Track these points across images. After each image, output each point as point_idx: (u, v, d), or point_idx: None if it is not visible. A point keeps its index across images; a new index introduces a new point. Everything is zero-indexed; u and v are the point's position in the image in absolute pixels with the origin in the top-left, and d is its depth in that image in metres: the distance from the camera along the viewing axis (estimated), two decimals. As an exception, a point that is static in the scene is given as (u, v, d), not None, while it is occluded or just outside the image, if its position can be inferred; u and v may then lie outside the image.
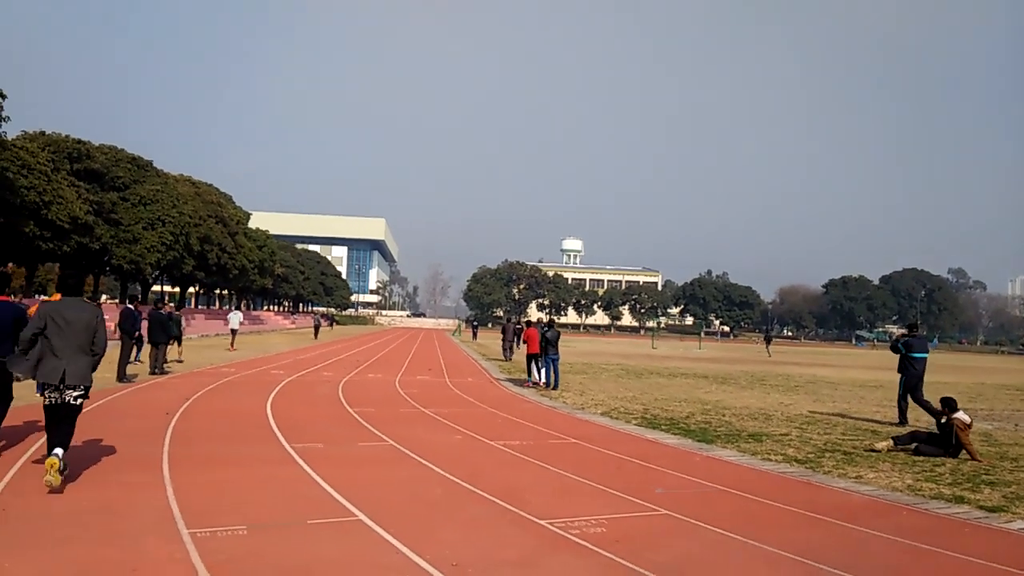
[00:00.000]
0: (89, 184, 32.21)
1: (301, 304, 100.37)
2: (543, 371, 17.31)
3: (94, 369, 6.24)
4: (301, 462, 7.28)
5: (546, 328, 17.94)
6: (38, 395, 6.13)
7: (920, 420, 12.12)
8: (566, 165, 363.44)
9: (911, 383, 12.04)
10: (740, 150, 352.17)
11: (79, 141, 33.39)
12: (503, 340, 29.34)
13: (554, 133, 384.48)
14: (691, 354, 44.71)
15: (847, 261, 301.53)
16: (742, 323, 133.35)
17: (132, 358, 16.36)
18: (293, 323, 73.99)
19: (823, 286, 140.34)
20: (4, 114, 20.74)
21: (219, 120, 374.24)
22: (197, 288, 56.22)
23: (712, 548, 5.14)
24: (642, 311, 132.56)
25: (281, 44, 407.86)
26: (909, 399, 12.18)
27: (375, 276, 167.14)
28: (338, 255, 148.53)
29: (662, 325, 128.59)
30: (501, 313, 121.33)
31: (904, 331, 12.85)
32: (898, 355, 12.45)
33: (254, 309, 78.21)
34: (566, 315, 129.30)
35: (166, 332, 16.16)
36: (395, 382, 17.09)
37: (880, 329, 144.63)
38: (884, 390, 19.98)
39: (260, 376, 17.05)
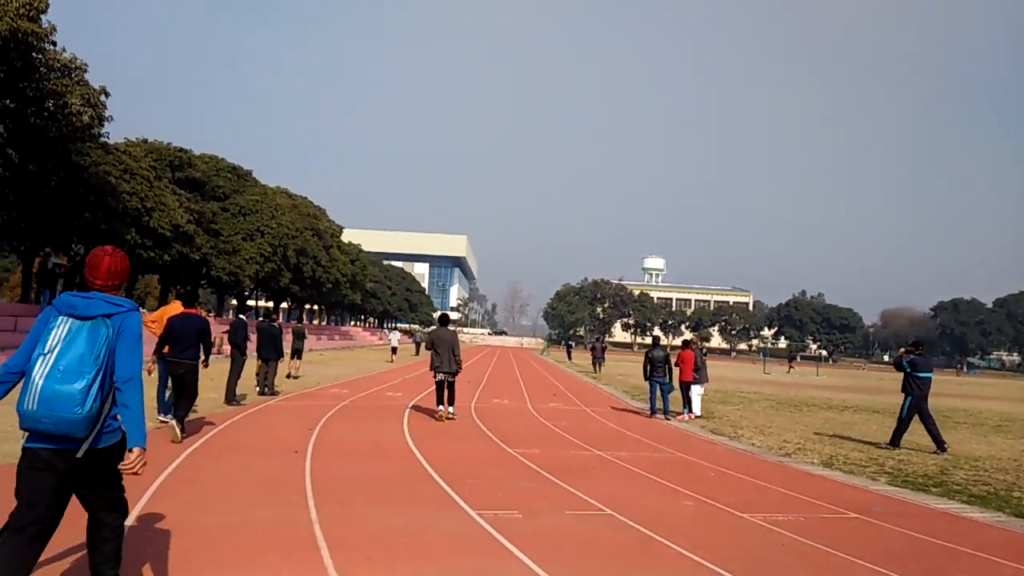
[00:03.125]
0: (190, 193, 31.47)
1: (387, 320, 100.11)
2: (676, 400, 14.82)
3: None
4: (510, 547, 4.92)
5: (651, 350, 15.21)
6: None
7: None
8: (646, 181, 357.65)
9: (915, 403, 11.61)
10: (833, 162, 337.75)
11: (180, 149, 32.80)
12: (592, 359, 35.74)
13: (631, 151, 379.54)
14: (813, 381, 40.78)
15: (956, 283, 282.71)
16: (842, 347, 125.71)
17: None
18: (380, 339, 73.19)
19: (931, 309, 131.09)
20: (107, 113, 19.66)
21: (314, 136, 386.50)
22: (289, 302, 55.78)
23: None
24: (733, 332, 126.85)
25: (368, 67, 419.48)
26: (912, 419, 11.71)
27: (455, 293, 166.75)
28: (420, 272, 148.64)
29: (753, 348, 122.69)
30: (583, 332, 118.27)
31: (908, 349, 12.27)
32: (902, 373, 11.94)
33: (342, 324, 77.96)
34: (650, 335, 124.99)
35: (276, 348, 14.31)
36: (530, 409, 14.73)
37: (993, 356, 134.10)
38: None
39: (377, 399, 15.00)
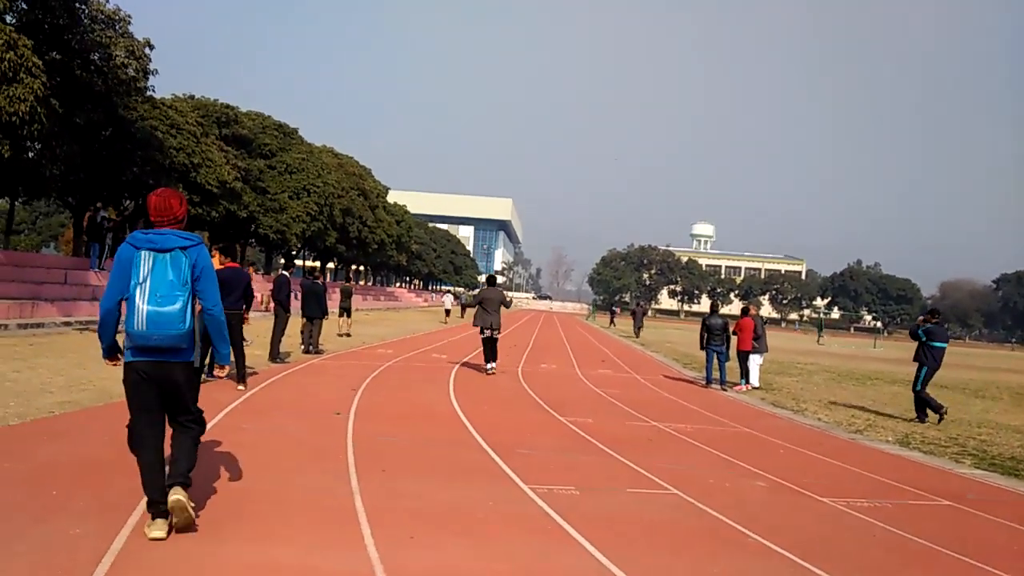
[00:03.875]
0: (237, 150, 31.36)
1: (431, 283, 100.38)
2: (723, 369, 14.18)
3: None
4: (568, 528, 4.42)
5: (709, 317, 14.34)
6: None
7: None
8: (697, 145, 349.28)
9: (931, 374, 11.26)
10: (892, 126, 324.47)
11: (227, 106, 32.62)
12: (634, 324, 36.51)
13: (679, 114, 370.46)
14: (871, 353, 39.34)
15: (1019, 255, 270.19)
16: (898, 319, 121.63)
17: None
18: (425, 301, 73.43)
19: (994, 281, 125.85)
20: (152, 66, 19.41)
21: (359, 96, 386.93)
22: (335, 262, 56.02)
23: None
24: (784, 302, 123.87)
25: (412, 32, 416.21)
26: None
27: (500, 257, 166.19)
28: (465, 235, 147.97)
29: (805, 318, 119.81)
30: (628, 298, 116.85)
31: (925, 317, 11.85)
32: (917, 343, 11.56)
33: (387, 286, 78.37)
34: (699, 303, 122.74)
35: (321, 306, 14.02)
36: (579, 376, 14.21)
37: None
38: None
39: (423, 360, 14.66)
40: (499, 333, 12.88)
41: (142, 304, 3.63)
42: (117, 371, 3.92)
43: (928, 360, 11.28)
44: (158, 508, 3.73)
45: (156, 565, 3.36)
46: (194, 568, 3.37)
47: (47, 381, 8.27)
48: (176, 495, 3.74)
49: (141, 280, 3.67)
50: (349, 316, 20.62)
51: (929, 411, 11.13)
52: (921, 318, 11.97)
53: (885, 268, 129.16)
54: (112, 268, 3.82)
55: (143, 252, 3.73)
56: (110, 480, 4.58)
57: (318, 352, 14.00)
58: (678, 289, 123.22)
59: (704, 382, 14.24)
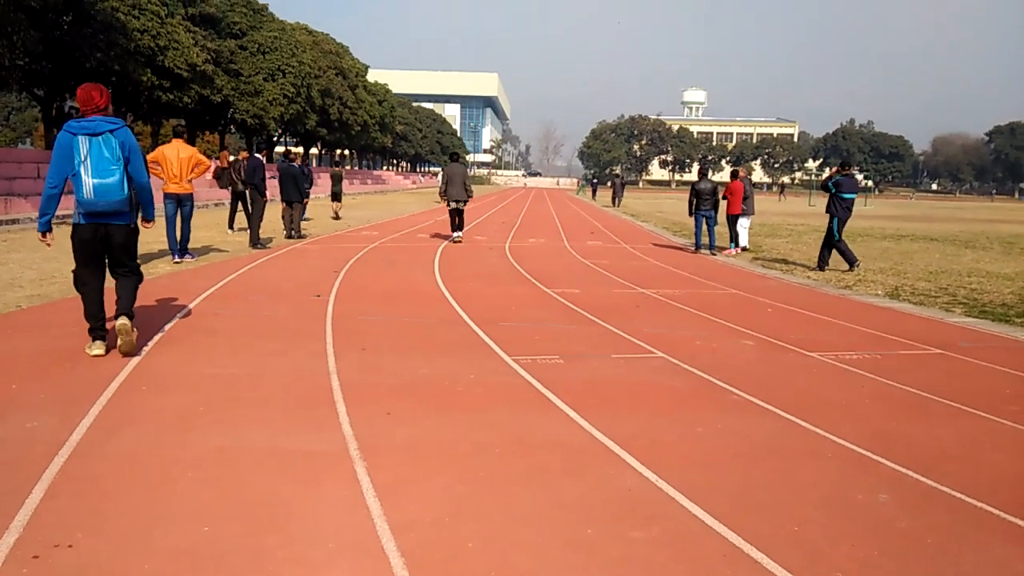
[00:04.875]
0: (205, 30, 29.67)
1: (419, 164, 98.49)
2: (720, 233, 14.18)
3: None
4: (550, 396, 4.32)
5: (698, 182, 14.09)
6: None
7: None
8: (686, 9, 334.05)
9: (842, 223, 11.43)
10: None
11: (190, -17, 30.62)
12: (613, 194, 39.27)
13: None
14: (862, 211, 39.08)
15: (1016, 107, 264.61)
16: (889, 176, 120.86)
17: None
18: (414, 183, 72.32)
19: (986, 134, 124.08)
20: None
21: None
22: (319, 147, 54.56)
23: None
24: (776, 166, 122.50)
25: None
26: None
27: (488, 135, 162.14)
28: (451, 113, 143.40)
29: (796, 181, 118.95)
30: (619, 171, 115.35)
31: (837, 169, 11.96)
32: (827, 195, 11.68)
33: (374, 169, 76.88)
34: (690, 172, 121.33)
35: (299, 189, 13.57)
36: (568, 248, 14.03)
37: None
38: None
39: (408, 241, 14.42)
40: (464, 204, 13.98)
41: (87, 178, 4.45)
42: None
43: (839, 211, 11.41)
44: (97, 332, 4.78)
45: (117, 455, 3.22)
46: (159, 456, 3.23)
47: (17, 275, 8.03)
48: (122, 320, 4.69)
49: (83, 159, 4.46)
50: (340, 200, 20.77)
51: (844, 261, 11.42)
52: (833, 170, 12.08)
53: (878, 127, 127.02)
54: (54, 152, 4.53)
55: (79, 136, 4.50)
56: (71, 373, 4.41)
57: (300, 237, 13.71)
58: (669, 159, 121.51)
59: (694, 248, 14.08)
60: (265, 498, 2.85)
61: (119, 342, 4.70)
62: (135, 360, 4.73)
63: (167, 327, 5.77)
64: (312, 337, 5.66)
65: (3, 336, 5.33)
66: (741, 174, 14.51)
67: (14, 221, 14.49)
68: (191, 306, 6.67)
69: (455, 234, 14.07)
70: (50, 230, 4.73)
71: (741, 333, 6.41)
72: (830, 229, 11.46)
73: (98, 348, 4.73)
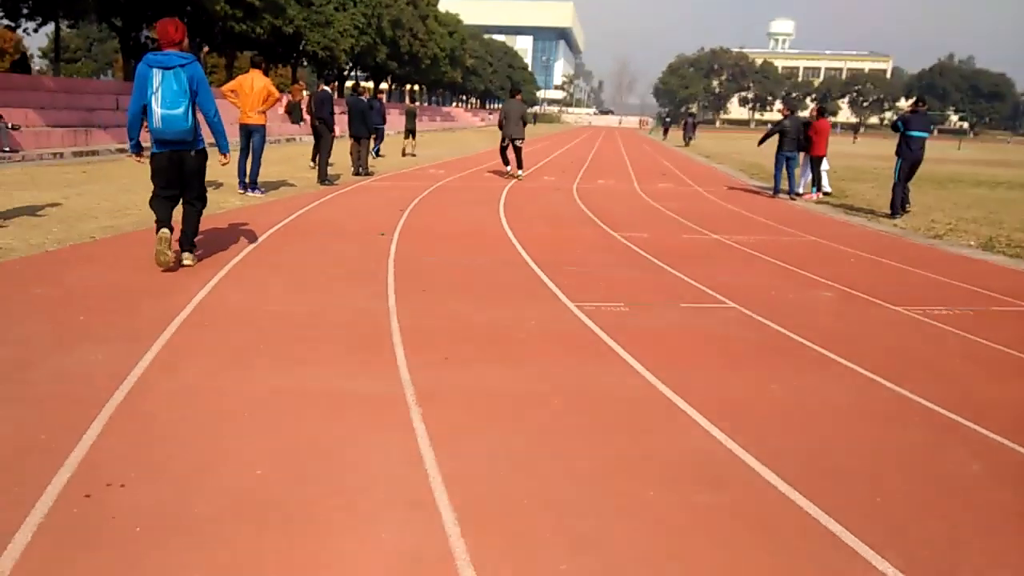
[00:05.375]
0: (276, -41, 29.51)
1: (488, 101, 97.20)
2: (802, 178, 13.57)
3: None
4: (613, 345, 4.13)
5: (785, 119, 13.29)
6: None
7: None
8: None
9: (907, 165, 10.63)
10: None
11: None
12: (684, 133, 38.34)
13: None
14: (955, 156, 36.75)
15: None
16: (987, 118, 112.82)
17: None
18: (482, 121, 71.58)
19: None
20: None
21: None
22: (389, 82, 54.34)
23: None
24: (864, 104, 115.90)
25: None
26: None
27: (560, 69, 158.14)
28: (522, 47, 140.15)
29: (886, 122, 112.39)
30: (695, 109, 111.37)
31: (909, 108, 11.21)
32: (897, 134, 10.91)
33: (443, 105, 76.34)
34: (770, 111, 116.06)
35: (366, 124, 13.48)
36: (638, 191, 13.59)
37: None
38: None
39: (475, 180, 14.23)
40: (521, 142, 13.93)
41: (157, 108, 4.94)
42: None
43: (903, 151, 10.68)
44: (164, 225, 5.24)
45: (175, 392, 3.22)
46: (216, 393, 3.23)
47: (93, 206, 8.24)
48: (185, 255, 5.43)
49: (155, 90, 4.93)
50: (414, 137, 20.74)
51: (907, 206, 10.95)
52: (908, 106, 11.36)
53: (979, 63, 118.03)
54: (134, 82, 5.02)
55: (154, 69, 4.96)
56: (138, 307, 4.47)
57: (368, 173, 13.69)
58: (749, 96, 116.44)
59: (772, 192, 13.44)
60: (319, 443, 2.80)
61: (185, 262, 5.44)
62: (199, 295, 4.77)
63: (232, 262, 5.81)
64: (374, 277, 5.61)
65: (75, 267, 5.47)
66: (820, 111, 13.73)
67: (94, 152, 14.93)
68: (256, 242, 6.70)
69: (519, 172, 14.09)
70: (140, 152, 5.36)
71: (821, 284, 6.04)
72: (897, 170, 10.80)
73: (164, 233, 5.21)
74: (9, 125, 13.70)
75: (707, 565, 2.14)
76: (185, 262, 5.40)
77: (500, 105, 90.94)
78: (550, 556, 2.15)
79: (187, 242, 5.46)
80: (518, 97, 14.30)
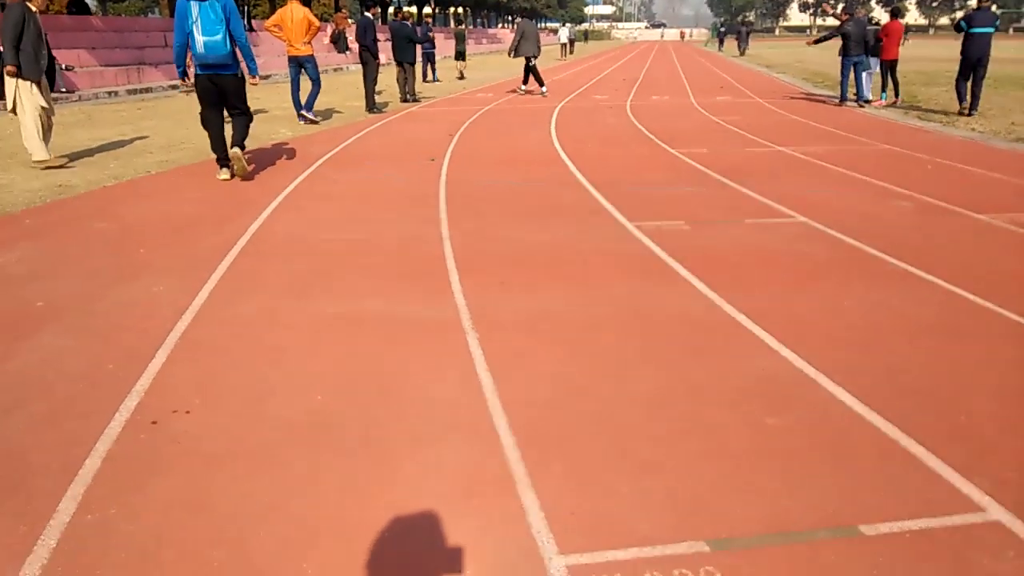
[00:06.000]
0: None
1: (534, 20, 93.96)
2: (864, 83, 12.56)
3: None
4: (675, 265, 3.98)
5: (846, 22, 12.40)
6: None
7: None
8: None
9: (968, 63, 10.37)
10: None
11: None
12: (738, 44, 37.04)
13: None
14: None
15: None
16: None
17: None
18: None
19: None
20: None
21: None
22: (433, 5, 52.97)
23: None
24: (934, 4, 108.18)
25: None
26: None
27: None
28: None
29: (954, 21, 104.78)
30: (752, 17, 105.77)
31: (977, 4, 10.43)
32: (961, 34, 10.45)
33: (489, 28, 74.28)
34: (832, 15, 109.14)
35: (412, 49, 13.16)
36: (695, 105, 13.03)
37: None
38: None
39: (524, 102, 13.86)
40: (535, 60, 14.73)
41: (199, 35, 5.63)
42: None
43: (966, 48, 10.36)
44: (222, 161, 6.13)
45: (235, 321, 3.24)
46: (274, 322, 3.23)
47: (149, 142, 8.33)
48: (235, 150, 6.01)
49: (195, 20, 5.63)
50: (464, 60, 21.01)
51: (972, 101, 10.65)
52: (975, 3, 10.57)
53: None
54: (175, 16, 5.73)
55: (191, 3, 5.65)
56: (195, 239, 4.50)
57: (416, 100, 13.46)
58: (811, 1, 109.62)
59: (839, 100, 12.71)
60: (376, 369, 2.78)
61: (235, 168, 6.04)
62: (254, 226, 4.77)
63: (285, 192, 5.80)
64: (425, 203, 5.52)
65: (133, 201, 5.54)
66: (859, 14, 12.84)
67: (147, 90, 15.06)
68: (307, 172, 6.67)
69: (542, 89, 14.74)
70: (185, 76, 6.23)
71: (896, 193, 5.70)
72: (961, 67, 10.55)
73: (224, 174, 6.10)
74: (64, 66, 13.86)
75: (776, 490, 2.05)
76: (233, 151, 6.06)
77: (549, 24, 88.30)
78: (611, 480, 2.09)
79: (237, 140, 6.12)
80: (532, 19, 15.60)
